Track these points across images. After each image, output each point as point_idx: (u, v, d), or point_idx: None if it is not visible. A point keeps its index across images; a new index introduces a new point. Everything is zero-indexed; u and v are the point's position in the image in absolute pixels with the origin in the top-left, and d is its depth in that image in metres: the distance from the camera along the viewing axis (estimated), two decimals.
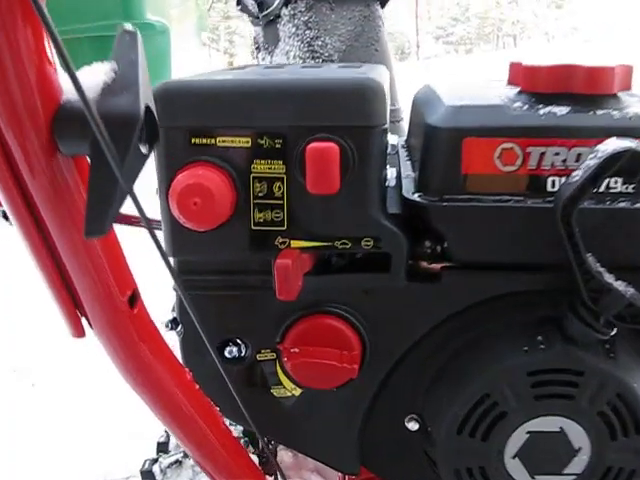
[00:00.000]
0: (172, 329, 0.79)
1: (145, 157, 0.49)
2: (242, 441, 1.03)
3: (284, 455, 1.43)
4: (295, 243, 0.72)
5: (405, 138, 1.00)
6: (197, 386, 0.66)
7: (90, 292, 0.55)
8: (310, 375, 0.75)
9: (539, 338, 0.74)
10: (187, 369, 0.66)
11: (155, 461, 1.01)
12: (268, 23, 1.44)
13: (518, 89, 0.77)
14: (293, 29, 1.34)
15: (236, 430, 1.07)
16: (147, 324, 0.61)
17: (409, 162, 0.87)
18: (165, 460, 1.00)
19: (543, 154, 0.70)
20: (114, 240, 0.57)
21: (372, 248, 0.73)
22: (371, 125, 0.69)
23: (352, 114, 0.68)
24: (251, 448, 1.04)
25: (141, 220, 0.84)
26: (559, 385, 0.73)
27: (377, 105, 0.68)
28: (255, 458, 0.99)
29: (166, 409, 0.62)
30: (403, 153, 0.93)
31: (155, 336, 0.62)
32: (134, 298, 0.58)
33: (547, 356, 0.73)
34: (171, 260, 0.76)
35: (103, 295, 0.54)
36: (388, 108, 0.71)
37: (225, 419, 0.73)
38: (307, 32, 1.34)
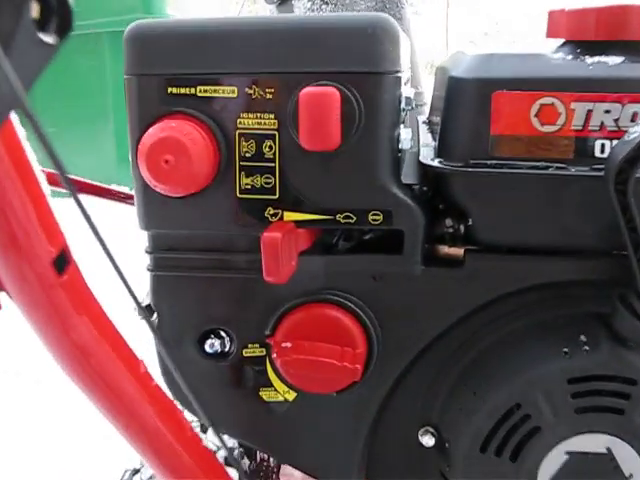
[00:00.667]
0: (145, 317, 0.67)
1: (50, 51, 0.38)
2: (236, 451, 0.90)
3: (293, 469, 1.29)
4: (289, 215, 0.60)
5: (426, 116, 0.88)
6: (153, 381, 0.54)
7: None
8: (305, 376, 0.63)
9: (582, 338, 0.61)
10: (141, 360, 0.54)
11: (136, 472, 0.89)
12: (282, 1, 1.34)
13: (561, 41, 0.64)
14: (309, 4, 1.23)
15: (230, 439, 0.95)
16: (83, 295, 0.48)
17: (429, 134, 0.75)
18: (147, 471, 0.88)
19: (590, 112, 0.57)
20: (33, 181, 0.45)
21: (381, 224, 0.60)
22: (381, 71, 0.57)
23: (358, 57, 0.56)
24: (246, 460, 0.91)
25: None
26: (606, 396, 0.60)
27: (389, 47, 0.56)
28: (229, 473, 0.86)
29: (111, 404, 0.50)
30: (423, 128, 0.81)
31: (95, 312, 0.49)
32: (63, 261, 0.46)
33: (592, 360, 0.60)
34: (145, 235, 0.65)
35: (15, 254, 0.42)
36: (403, 54, 0.59)
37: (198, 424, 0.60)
38: (324, 7, 1.22)
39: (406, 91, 0.60)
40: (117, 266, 0.45)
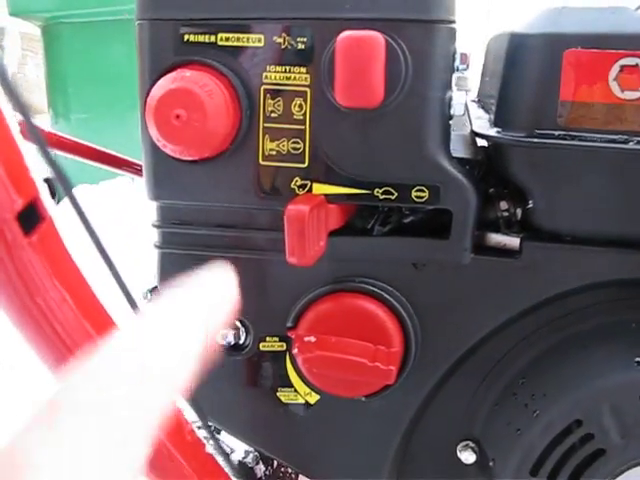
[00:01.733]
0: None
1: None
2: (251, 455, 0.82)
3: None
4: (319, 187, 0.52)
5: (475, 96, 0.79)
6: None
7: None
8: (330, 376, 0.54)
9: None
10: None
11: None
12: None
13: None
14: None
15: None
16: (59, 263, 0.39)
17: (481, 110, 0.66)
18: None
19: None
20: None
21: (427, 202, 0.51)
22: (433, 19, 0.48)
23: (407, 2, 0.48)
24: (262, 466, 0.83)
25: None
26: None
27: None
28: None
29: None
30: (473, 105, 0.72)
31: (74, 285, 0.41)
32: (34, 216, 0.37)
33: None
34: (154, 205, 0.57)
35: None
36: (457, 0, 0.50)
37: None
38: None
39: (462, 47, 0.51)
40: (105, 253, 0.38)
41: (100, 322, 0.43)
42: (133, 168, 0.77)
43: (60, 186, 0.40)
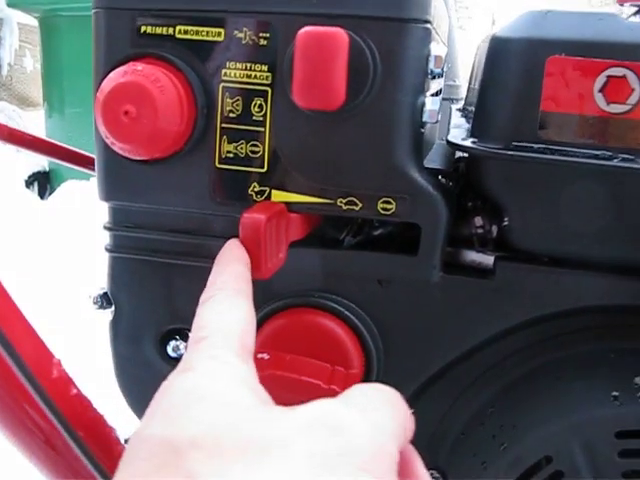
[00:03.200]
0: (103, 307, 0.55)
1: None
2: None
3: None
4: (278, 195, 0.48)
5: (462, 104, 0.75)
6: (74, 388, 0.41)
7: None
8: (283, 396, 0.50)
9: (637, 380, 0.48)
10: (57, 360, 0.42)
11: None
12: None
13: (638, 6, 0.51)
14: None
15: None
16: None
17: (464, 119, 0.63)
18: None
19: None
20: None
21: (393, 215, 0.48)
22: (405, 18, 0.44)
23: None
24: None
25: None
26: None
27: None
28: None
29: (7, 421, 0.38)
30: (457, 114, 0.68)
31: None
32: None
33: None
34: (105, 206, 0.53)
35: None
36: (434, 2, 0.46)
37: None
38: None
39: (438, 50, 0.47)
40: None
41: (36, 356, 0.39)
42: None
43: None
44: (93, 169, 0.74)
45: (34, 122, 2.89)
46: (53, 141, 0.73)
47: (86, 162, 0.73)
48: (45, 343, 0.40)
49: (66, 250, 2.12)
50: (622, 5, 0.56)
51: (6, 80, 3.27)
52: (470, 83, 0.68)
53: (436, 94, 0.51)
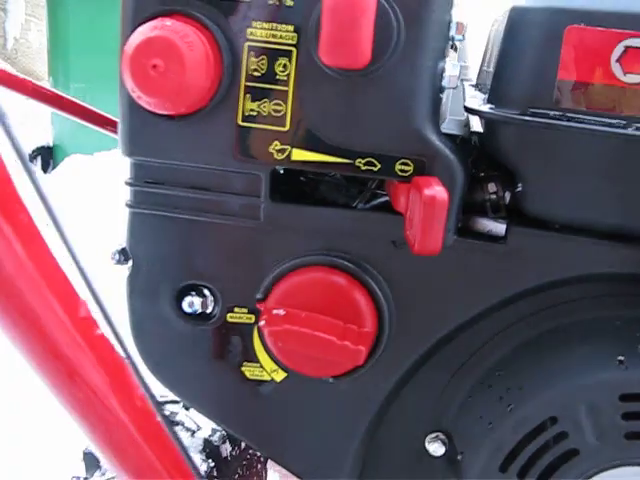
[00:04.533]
0: (121, 262, 0.56)
1: None
2: (218, 434, 0.79)
3: None
4: (298, 153, 0.49)
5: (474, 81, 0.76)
6: (97, 329, 0.42)
7: None
8: (296, 352, 0.52)
9: None
10: (83, 301, 0.43)
11: None
12: None
13: None
14: None
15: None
16: (8, 205, 0.37)
17: (478, 92, 0.63)
18: None
19: None
20: None
21: (411, 177, 0.49)
22: None
23: None
24: (228, 446, 0.80)
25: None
26: None
27: None
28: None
29: (33, 348, 0.39)
30: (470, 89, 0.69)
31: (23, 228, 0.38)
32: None
33: None
34: (127, 161, 0.54)
35: None
36: None
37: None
38: None
39: (459, 16, 0.48)
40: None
41: (48, 270, 0.41)
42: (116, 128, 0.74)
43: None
44: (113, 131, 0.75)
45: None
46: (76, 100, 0.74)
47: (106, 123, 0.73)
48: (73, 284, 0.42)
49: (69, 222, 2.13)
50: None
51: (11, 54, 3.27)
52: (483, 64, 0.68)
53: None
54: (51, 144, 2.58)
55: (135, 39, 0.46)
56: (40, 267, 0.39)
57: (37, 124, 2.64)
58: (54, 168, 2.51)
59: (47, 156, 2.56)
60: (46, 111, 2.56)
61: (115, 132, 0.75)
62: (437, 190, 0.44)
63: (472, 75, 1.14)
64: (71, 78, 2.50)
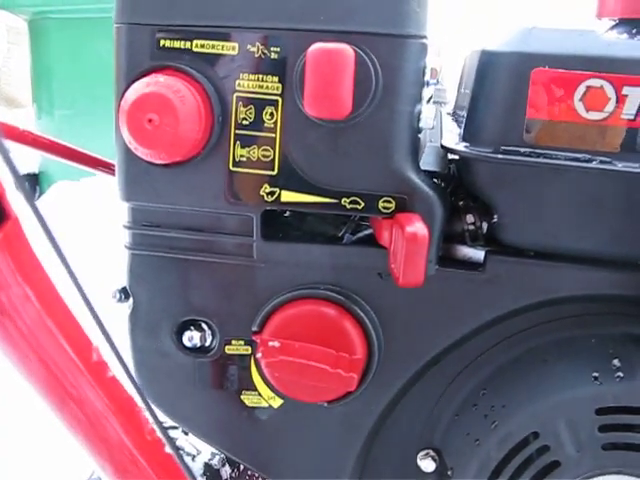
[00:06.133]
0: (122, 301, 0.59)
1: None
2: (217, 457, 0.82)
3: None
4: (287, 195, 0.53)
5: (452, 109, 0.80)
6: (109, 372, 0.46)
7: None
8: (292, 380, 0.55)
9: (615, 362, 0.53)
10: (95, 346, 0.46)
11: None
12: None
13: (615, 20, 0.56)
14: None
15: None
16: (23, 260, 0.40)
17: (454, 124, 0.67)
18: None
19: None
20: None
21: (393, 213, 0.52)
22: (404, 34, 0.49)
23: (379, 16, 0.49)
24: (227, 469, 0.83)
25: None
26: None
27: (415, 6, 0.49)
28: None
29: (52, 394, 0.42)
30: (447, 118, 0.73)
31: (37, 281, 0.41)
32: None
33: (626, 388, 0.52)
34: (125, 206, 0.57)
35: None
36: (429, 16, 0.51)
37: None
38: None
39: (432, 62, 0.52)
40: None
41: (63, 320, 0.44)
42: (109, 169, 0.77)
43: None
44: (106, 172, 0.78)
45: (22, 123, 2.89)
46: (62, 142, 0.77)
47: (99, 164, 0.76)
48: (85, 330, 0.45)
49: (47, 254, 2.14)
50: (600, 19, 0.61)
51: None
52: (459, 88, 0.72)
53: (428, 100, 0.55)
54: (37, 171, 2.59)
55: (131, 95, 0.49)
56: (56, 319, 0.43)
57: (21, 151, 2.65)
58: (40, 195, 2.53)
59: (33, 183, 2.58)
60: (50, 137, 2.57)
61: (107, 172, 0.78)
62: (418, 227, 0.48)
63: (449, 97, 1.18)
64: (55, 105, 2.52)
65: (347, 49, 0.45)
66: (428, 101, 0.55)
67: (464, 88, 0.65)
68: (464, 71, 0.70)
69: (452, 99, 0.82)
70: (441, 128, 0.65)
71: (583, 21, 0.58)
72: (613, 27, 0.55)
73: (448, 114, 0.76)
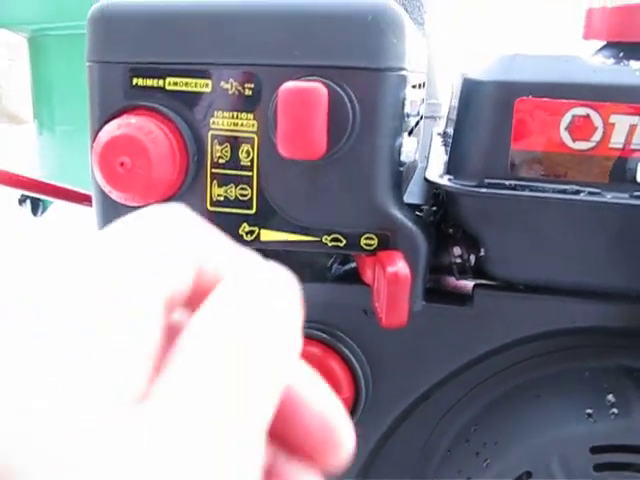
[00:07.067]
0: None
1: None
2: None
3: None
4: (267, 234, 0.51)
5: (443, 128, 0.78)
6: None
7: None
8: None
9: (610, 398, 0.51)
10: None
11: None
12: None
13: (601, 43, 0.54)
14: None
15: None
16: None
17: (443, 147, 0.66)
18: None
19: (634, 127, 0.47)
20: None
21: (376, 250, 0.51)
22: (381, 67, 0.47)
23: (355, 50, 0.47)
24: None
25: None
26: (638, 471, 0.49)
27: (392, 38, 0.47)
28: None
29: None
30: (437, 140, 0.71)
31: None
32: None
33: (621, 426, 0.50)
34: None
35: None
36: (411, 50, 0.50)
37: None
38: None
39: (414, 95, 0.51)
40: None
41: None
42: None
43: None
44: (85, 204, 0.77)
45: (24, 140, 2.91)
46: (54, 183, 0.76)
47: (83, 199, 0.76)
48: None
49: None
50: (587, 40, 0.60)
51: None
52: (449, 110, 0.71)
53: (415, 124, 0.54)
54: None
55: (103, 138, 0.48)
56: None
57: (24, 167, 2.66)
58: (44, 211, 2.54)
59: (36, 199, 2.58)
60: (33, 154, 2.57)
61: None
62: (400, 267, 0.46)
63: (443, 111, 1.17)
64: (56, 121, 2.52)
65: (319, 87, 0.44)
66: (410, 133, 0.53)
67: (451, 113, 0.64)
68: (452, 94, 0.69)
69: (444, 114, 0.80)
70: (429, 152, 0.64)
71: (569, 43, 0.57)
72: (599, 50, 0.53)
73: (439, 134, 0.75)
